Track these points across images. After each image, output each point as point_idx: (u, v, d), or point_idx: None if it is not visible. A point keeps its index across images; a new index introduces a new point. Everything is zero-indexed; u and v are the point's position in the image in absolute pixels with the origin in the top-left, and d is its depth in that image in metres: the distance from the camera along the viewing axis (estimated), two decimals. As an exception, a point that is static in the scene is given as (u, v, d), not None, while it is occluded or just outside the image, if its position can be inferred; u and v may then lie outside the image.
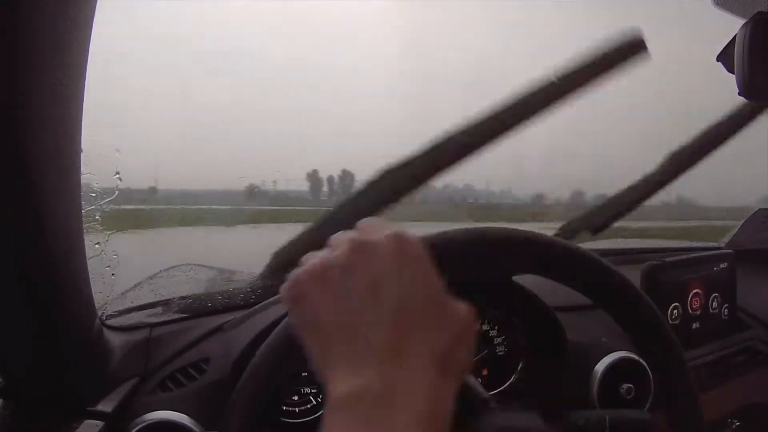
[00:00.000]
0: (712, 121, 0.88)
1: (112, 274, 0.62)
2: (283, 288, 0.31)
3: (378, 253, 0.30)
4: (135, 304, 0.69)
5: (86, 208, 0.55)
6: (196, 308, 0.70)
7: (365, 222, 0.34)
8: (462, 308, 0.31)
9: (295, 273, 0.31)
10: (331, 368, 0.28)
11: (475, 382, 0.54)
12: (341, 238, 0.32)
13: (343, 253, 0.30)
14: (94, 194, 0.58)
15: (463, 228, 0.47)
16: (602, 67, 0.55)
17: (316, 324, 0.30)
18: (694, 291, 0.89)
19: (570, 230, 0.96)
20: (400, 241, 0.30)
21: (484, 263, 0.48)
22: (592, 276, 0.50)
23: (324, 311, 0.29)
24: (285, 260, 0.74)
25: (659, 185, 0.91)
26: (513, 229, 0.49)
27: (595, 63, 0.54)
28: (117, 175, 0.61)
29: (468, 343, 0.31)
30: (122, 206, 0.62)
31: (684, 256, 0.90)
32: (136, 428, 0.53)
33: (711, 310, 0.91)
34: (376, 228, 0.32)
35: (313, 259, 0.31)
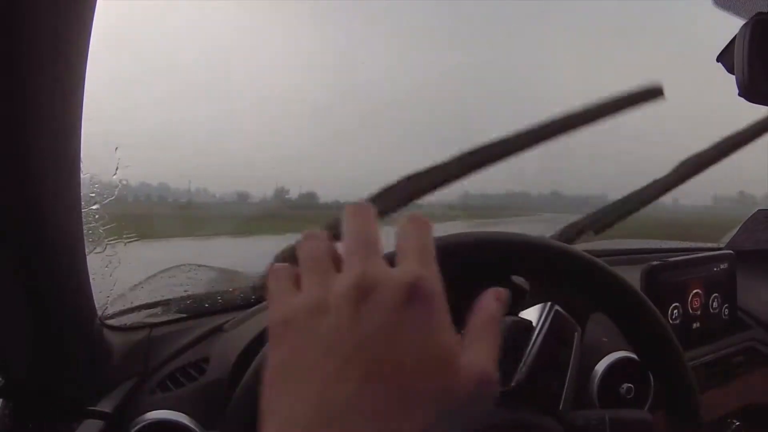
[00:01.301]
0: (724, 134, 0.88)
1: (110, 274, 0.63)
2: (271, 317, 0.28)
3: (383, 303, 0.26)
4: (135, 304, 0.69)
5: (86, 207, 0.55)
6: (196, 308, 0.70)
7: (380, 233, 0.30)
8: (474, 377, 0.26)
9: (288, 303, 0.28)
10: (274, 414, 0.25)
11: None
12: (322, 257, 0.29)
13: (339, 294, 0.26)
14: (93, 194, 0.58)
15: (465, 232, 0.48)
16: (619, 105, 0.58)
17: (285, 368, 0.26)
18: (694, 291, 0.88)
19: (573, 232, 0.95)
20: (413, 287, 0.26)
21: (483, 268, 0.48)
22: (591, 279, 0.50)
23: (300, 358, 0.26)
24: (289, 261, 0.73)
25: (664, 190, 0.91)
26: (513, 234, 0.49)
27: (615, 103, 0.57)
28: (116, 175, 0.61)
29: (465, 421, 0.26)
30: (122, 205, 0.62)
31: (684, 256, 0.90)
32: (136, 428, 0.53)
33: (711, 310, 0.91)
34: (378, 249, 0.29)
35: (312, 286, 0.28)
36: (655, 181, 0.90)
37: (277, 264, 0.31)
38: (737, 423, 0.91)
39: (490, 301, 0.31)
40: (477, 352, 0.28)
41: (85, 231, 0.51)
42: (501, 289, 0.32)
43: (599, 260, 0.49)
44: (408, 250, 0.29)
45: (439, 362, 0.26)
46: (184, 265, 0.81)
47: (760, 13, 0.63)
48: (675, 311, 0.86)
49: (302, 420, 0.24)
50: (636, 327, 0.51)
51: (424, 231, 0.30)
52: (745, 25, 0.63)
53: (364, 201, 0.31)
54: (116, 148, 0.60)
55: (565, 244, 0.49)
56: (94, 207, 0.58)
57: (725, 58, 0.72)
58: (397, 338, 0.25)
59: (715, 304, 0.91)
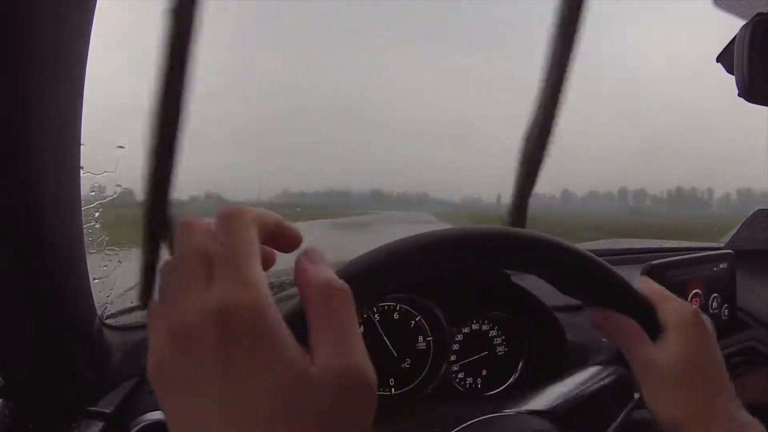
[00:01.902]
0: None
1: (110, 274, 0.62)
2: None
3: (199, 347, 0.22)
4: (135, 304, 0.69)
5: (86, 207, 0.54)
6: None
7: (181, 259, 0.24)
8: (334, 384, 0.23)
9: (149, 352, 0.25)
10: None
11: None
12: (156, 311, 0.25)
13: (166, 347, 0.23)
14: (93, 192, 0.58)
15: (464, 226, 0.47)
16: None
17: (170, 422, 0.24)
18: (694, 291, 0.89)
19: None
20: (224, 318, 0.22)
21: (481, 261, 0.48)
22: (591, 276, 0.50)
23: (168, 412, 0.24)
24: None
25: None
26: (513, 229, 0.49)
27: None
28: (116, 174, 0.60)
29: (349, 425, 0.23)
30: (122, 204, 0.62)
31: (684, 256, 0.90)
32: (137, 428, 0.53)
33: (711, 310, 0.91)
34: (196, 268, 0.24)
35: (152, 330, 0.25)
36: None
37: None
38: (737, 423, 0.91)
39: (305, 266, 0.25)
40: (327, 349, 0.24)
41: (84, 231, 0.51)
42: (312, 248, 0.27)
43: (598, 258, 0.49)
44: (219, 262, 0.24)
45: (285, 385, 0.22)
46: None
47: (760, 14, 0.64)
48: (675, 311, 0.86)
49: None
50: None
51: (235, 225, 0.25)
52: (745, 25, 0.64)
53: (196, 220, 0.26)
54: (117, 147, 0.60)
55: (567, 242, 0.49)
56: (93, 206, 0.58)
57: (725, 58, 0.72)
58: (228, 380, 0.22)
59: (714, 304, 0.91)
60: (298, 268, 0.26)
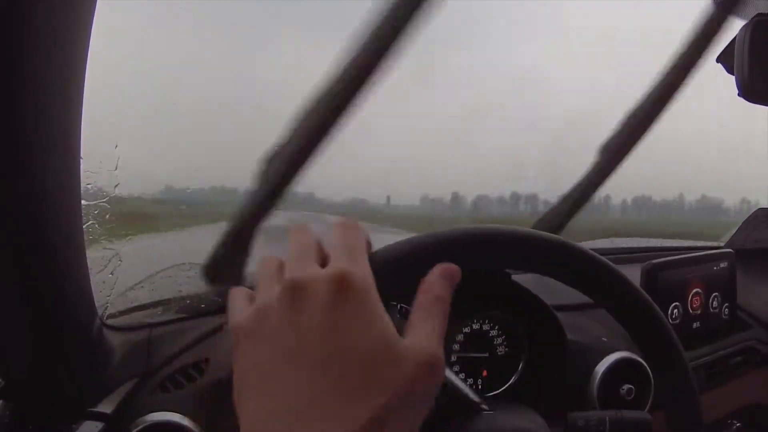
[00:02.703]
0: (632, 108, 0.89)
1: (111, 273, 0.62)
2: (230, 326, 0.30)
3: (312, 300, 0.27)
4: (135, 304, 0.69)
5: (85, 206, 0.54)
6: (195, 308, 0.70)
7: (305, 237, 0.32)
8: (416, 359, 0.27)
9: (240, 311, 0.30)
10: (244, 418, 0.27)
11: (465, 386, 0.53)
12: (271, 270, 0.31)
13: (276, 299, 0.28)
14: (93, 191, 0.58)
15: (464, 226, 0.47)
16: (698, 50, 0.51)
17: (243, 374, 0.28)
18: (695, 290, 0.89)
19: (556, 221, 0.97)
20: (341, 281, 0.28)
21: (483, 261, 0.48)
22: (592, 274, 0.50)
23: (253, 362, 0.28)
24: (215, 270, 0.73)
25: (602, 178, 0.94)
26: (513, 227, 0.49)
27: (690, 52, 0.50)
28: (116, 172, 0.60)
29: (416, 403, 0.27)
30: (121, 203, 0.62)
31: (684, 255, 0.90)
32: (137, 429, 0.53)
33: (711, 310, 0.91)
34: (313, 253, 0.31)
35: (260, 295, 0.30)
36: (587, 174, 0.93)
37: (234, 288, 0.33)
38: (737, 423, 0.91)
39: (436, 278, 0.32)
40: (420, 334, 0.29)
41: (84, 230, 0.51)
42: (449, 265, 0.33)
43: (602, 257, 0.49)
44: (337, 250, 0.31)
45: (377, 349, 0.27)
46: (184, 263, 0.81)
47: (760, 14, 0.64)
48: (675, 310, 0.86)
49: (267, 414, 0.26)
50: (637, 325, 0.51)
51: (352, 232, 0.33)
52: (745, 25, 0.64)
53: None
54: (116, 146, 0.60)
55: (567, 240, 0.49)
56: (93, 204, 0.58)
57: (725, 58, 0.72)
58: (332, 331, 0.27)
59: (715, 304, 0.91)
60: (431, 273, 0.32)
